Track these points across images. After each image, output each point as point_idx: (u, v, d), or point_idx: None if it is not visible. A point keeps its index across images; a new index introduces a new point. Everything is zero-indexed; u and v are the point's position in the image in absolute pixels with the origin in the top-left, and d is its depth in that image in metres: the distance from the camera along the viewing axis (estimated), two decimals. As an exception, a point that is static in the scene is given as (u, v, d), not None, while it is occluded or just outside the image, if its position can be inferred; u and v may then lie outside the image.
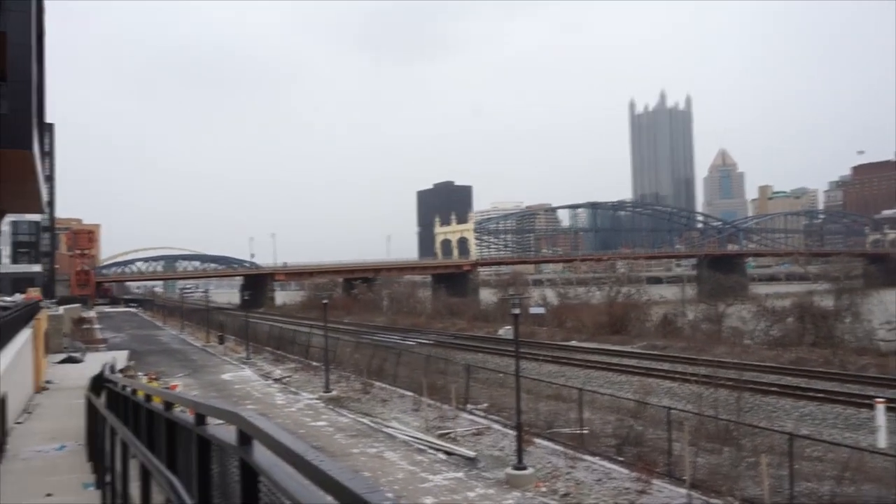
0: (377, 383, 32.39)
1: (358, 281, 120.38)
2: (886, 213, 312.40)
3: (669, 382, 31.14)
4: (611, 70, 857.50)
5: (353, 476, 1.70)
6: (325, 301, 42.95)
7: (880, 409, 20.85)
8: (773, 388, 28.59)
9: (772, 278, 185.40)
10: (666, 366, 36.40)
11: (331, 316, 44.92)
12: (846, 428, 23.03)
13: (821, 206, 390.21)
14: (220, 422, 3.57)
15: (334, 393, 31.19)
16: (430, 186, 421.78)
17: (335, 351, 38.70)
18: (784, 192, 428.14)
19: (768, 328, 47.68)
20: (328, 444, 21.16)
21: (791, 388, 28.90)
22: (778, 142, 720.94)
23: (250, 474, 2.75)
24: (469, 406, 26.72)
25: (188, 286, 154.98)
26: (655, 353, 42.99)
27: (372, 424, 24.43)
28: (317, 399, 30.19)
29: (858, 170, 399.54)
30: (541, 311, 58.91)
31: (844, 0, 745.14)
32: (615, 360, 39.93)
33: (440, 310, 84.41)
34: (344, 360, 38.69)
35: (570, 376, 35.08)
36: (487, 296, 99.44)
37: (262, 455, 2.61)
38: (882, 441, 20.31)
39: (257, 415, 2.82)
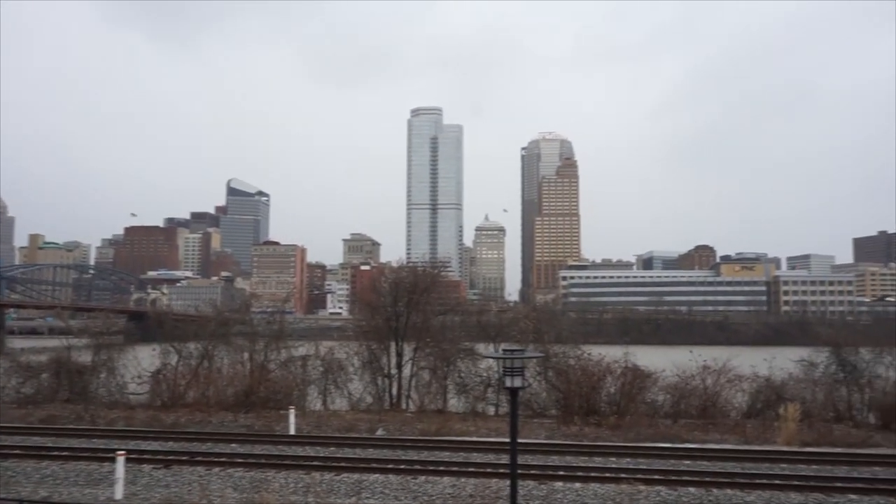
0: None
1: None
2: (151, 273, 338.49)
3: None
4: None
5: None
6: None
7: (120, 461, 21.61)
8: (16, 451, 26.63)
9: (34, 331, 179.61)
10: None
11: None
12: (87, 484, 23.02)
13: (93, 262, 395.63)
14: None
15: None
16: None
17: None
18: (56, 244, 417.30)
19: (20, 385, 44.83)
20: None
21: (37, 448, 27.46)
22: (55, 192, 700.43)
23: None
24: None
25: None
26: None
27: None
28: None
29: (130, 231, 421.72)
30: None
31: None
32: None
33: None
34: None
35: None
36: None
37: None
38: (119, 493, 21.06)
39: None
